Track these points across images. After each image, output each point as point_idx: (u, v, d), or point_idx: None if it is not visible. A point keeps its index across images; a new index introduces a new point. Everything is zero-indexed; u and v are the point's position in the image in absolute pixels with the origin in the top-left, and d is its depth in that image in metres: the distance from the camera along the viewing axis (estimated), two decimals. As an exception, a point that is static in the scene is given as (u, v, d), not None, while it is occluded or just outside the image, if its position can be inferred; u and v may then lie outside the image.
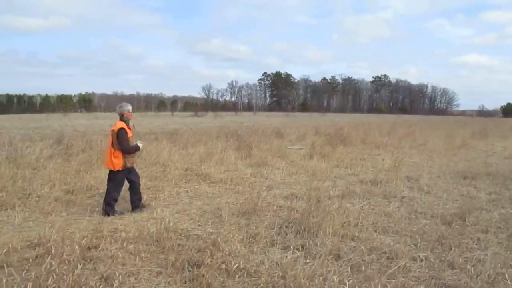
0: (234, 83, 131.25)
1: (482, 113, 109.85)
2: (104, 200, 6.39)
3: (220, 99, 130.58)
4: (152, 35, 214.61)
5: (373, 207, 6.60)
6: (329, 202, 6.01)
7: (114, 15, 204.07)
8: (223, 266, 3.86)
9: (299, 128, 24.02)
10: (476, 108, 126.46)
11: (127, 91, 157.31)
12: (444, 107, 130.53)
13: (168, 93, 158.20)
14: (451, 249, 4.52)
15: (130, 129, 6.63)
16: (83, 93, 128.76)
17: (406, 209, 6.53)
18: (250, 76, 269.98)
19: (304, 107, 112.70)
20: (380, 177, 8.78)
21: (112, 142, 6.35)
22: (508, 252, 4.55)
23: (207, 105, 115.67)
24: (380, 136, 19.70)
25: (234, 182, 8.66)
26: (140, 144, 6.74)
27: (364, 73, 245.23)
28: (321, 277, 3.70)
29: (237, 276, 3.77)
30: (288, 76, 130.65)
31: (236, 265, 3.88)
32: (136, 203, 6.63)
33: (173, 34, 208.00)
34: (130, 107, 6.73)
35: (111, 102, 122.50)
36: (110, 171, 6.47)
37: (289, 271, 3.77)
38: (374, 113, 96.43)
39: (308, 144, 15.39)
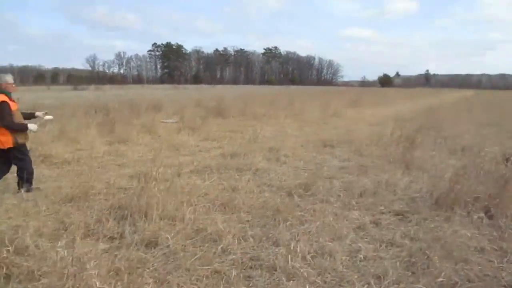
0: (122, 54, 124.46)
1: (364, 83, 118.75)
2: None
3: (108, 71, 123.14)
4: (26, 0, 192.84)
5: (222, 181, 6.29)
6: (168, 181, 5.51)
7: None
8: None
9: (182, 101, 23.30)
10: (359, 79, 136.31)
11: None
12: (330, 78, 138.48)
13: (48, 65, 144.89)
14: (280, 224, 4.33)
15: (14, 102, 5.67)
16: None
17: (255, 182, 6.32)
18: (140, 47, 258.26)
19: (197, 79, 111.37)
20: (242, 149, 8.54)
21: None
22: (337, 223, 4.50)
23: (93, 77, 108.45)
24: (262, 107, 19.81)
25: (80, 163, 7.77)
26: (32, 126, 5.73)
27: (256, 45, 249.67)
28: (125, 271, 3.22)
29: (16, 281, 3.13)
30: (179, 47, 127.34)
31: (20, 267, 3.23)
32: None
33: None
34: (10, 77, 5.80)
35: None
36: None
37: (88, 267, 3.22)
38: (265, 85, 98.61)
39: (184, 117, 14.81)
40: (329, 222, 4.45)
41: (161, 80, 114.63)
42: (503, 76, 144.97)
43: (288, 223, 4.41)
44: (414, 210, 4.97)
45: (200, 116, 14.76)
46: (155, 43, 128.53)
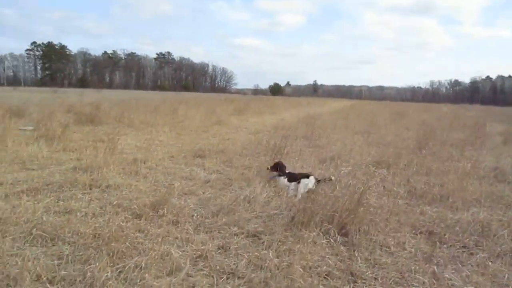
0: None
1: (257, 91, 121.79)
2: None
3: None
4: None
5: (60, 202, 5.32)
6: None
7: None
8: None
9: (53, 105, 21.09)
10: (252, 87, 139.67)
11: None
12: (224, 85, 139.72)
13: None
14: (104, 258, 3.56)
15: None
16: None
17: (101, 202, 5.46)
18: (17, 45, 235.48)
19: (83, 83, 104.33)
20: (101, 162, 7.56)
21: None
22: (179, 250, 3.88)
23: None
24: (143, 114, 18.64)
25: None
26: None
27: (148, 49, 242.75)
28: None
29: None
30: (63, 47, 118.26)
31: None
32: None
33: None
34: None
35: None
36: None
37: None
38: (158, 90, 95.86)
39: (51, 124, 13.15)
40: (168, 251, 3.80)
41: (42, 83, 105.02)
42: (380, 88, 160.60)
43: (116, 256, 3.67)
44: (269, 229, 4.55)
45: (66, 123, 13.24)
46: (34, 42, 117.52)
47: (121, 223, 4.61)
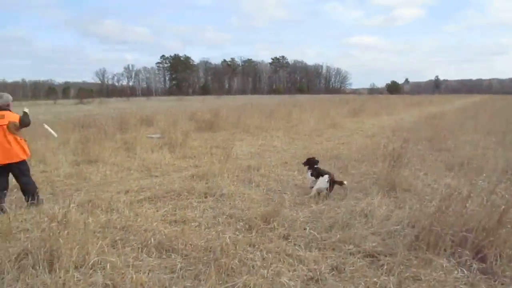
0: (130, 67, 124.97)
1: (373, 90, 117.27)
2: (33, 192, 5.88)
3: (117, 84, 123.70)
4: (38, 16, 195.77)
5: (176, 211, 5.46)
6: (110, 212, 4.70)
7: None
8: None
9: (176, 114, 22.58)
10: (367, 86, 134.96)
11: (11, 77, 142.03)
12: (339, 86, 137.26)
13: (59, 79, 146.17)
14: (212, 276, 3.44)
15: None
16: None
17: (213, 211, 5.48)
18: (149, 59, 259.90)
19: (205, 90, 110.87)
20: (216, 169, 7.70)
21: (13, 133, 5.80)
22: (289, 270, 3.62)
23: (102, 91, 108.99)
24: (258, 119, 18.97)
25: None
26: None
27: (263, 54, 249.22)
28: None
29: None
30: (187, 58, 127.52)
31: None
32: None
33: (62, 14, 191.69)
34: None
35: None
36: (21, 162, 5.96)
37: None
38: (273, 94, 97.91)
39: (174, 131, 14.05)
40: (278, 271, 3.58)
41: (170, 92, 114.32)
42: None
43: (225, 273, 3.54)
44: (389, 249, 4.07)
45: (189, 130, 13.98)
46: (163, 55, 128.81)
47: (233, 235, 4.55)
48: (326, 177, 6.10)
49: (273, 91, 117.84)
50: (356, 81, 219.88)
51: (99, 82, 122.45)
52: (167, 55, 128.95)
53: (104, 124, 15.25)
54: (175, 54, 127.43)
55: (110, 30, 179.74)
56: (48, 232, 3.81)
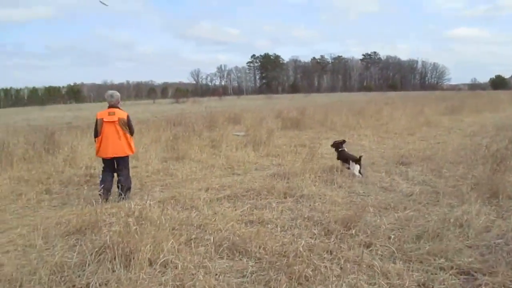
0: (223, 67, 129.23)
1: (474, 86, 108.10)
2: (127, 188, 6.36)
3: (210, 84, 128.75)
4: (140, 21, 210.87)
5: (254, 211, 5.32)
6: (189, 209, 4.70)
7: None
8: None
9: (263, 112, 22.70)
10: (468, 81, 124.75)
11: (117, 79, 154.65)
12: (435, 82, 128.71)
13: (158, 80, 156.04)
14: (283, 285, 3.21)
15: None
16: (72, 84, 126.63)
17: (292, 212, 5.25)
18: (241, 59, 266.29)
19: (294, 88, 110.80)
20: (299, 168, 7.47)
21: (123, 129, 6.25)
22: (369, 286, 3.27)
23: (197, 90, 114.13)
24: (346, 116, 18.35)
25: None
26: None
27: (354, 51, 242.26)
28: None
29: None
30: (277, 57, 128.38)
31: None
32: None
33: (161, 19, 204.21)
34: None
35: (101, 92, 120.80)
36: (126, 157, 6.47)
37: None
38: (364, 91, 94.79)
39: (259, 129, 14.10)
40: (355, 283, 3.24)
41: (260, 91, 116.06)
42: None
43: (297, 281, 3.30)
44: (488, 267, 3.51)
45: (274, 128, 13.91)
46: (253, 55, 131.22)
47: (310, 239, 4.29)
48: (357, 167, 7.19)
49: (363, 88, 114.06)
50: (455, 77, 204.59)
51: (194, 82, 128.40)
52: (257, 54, 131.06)
53: (193, 122, 15.79)
54: (265, 53, 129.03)
55: (205, 32, 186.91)
56: (126, 228, 3.88)
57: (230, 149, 10.56)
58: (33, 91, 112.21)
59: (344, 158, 7.62)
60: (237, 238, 4.21)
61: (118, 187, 6.27)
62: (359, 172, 7.13)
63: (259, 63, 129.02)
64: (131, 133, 6.42)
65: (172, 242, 3.93)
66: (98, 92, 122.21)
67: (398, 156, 8.84)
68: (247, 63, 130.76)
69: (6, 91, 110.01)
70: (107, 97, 6.40)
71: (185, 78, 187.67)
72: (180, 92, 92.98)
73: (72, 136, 12.19)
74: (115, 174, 6.44)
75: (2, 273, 3.58)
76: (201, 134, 13.02)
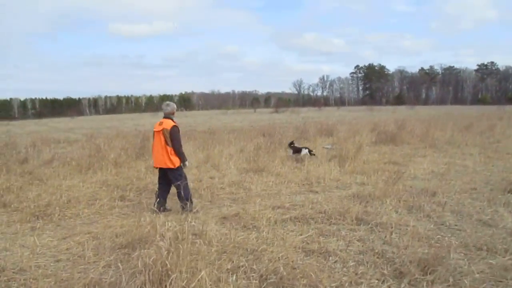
0: (325, 78, 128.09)
1: None
2: (185, 199, 5.95)
3: (312, 94, 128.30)
4: (248, 33, 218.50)
5: (319, 238, 4.67)
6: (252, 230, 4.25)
7: (213, 15, 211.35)
8: None
9: (359, 124, 21.53)
10: None
11: (223, 89, 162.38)
12: None
13: (262, 90, 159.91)
14: None
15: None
16: (183, 92, 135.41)
17: (362, 245, 4.49)
18: (344, 70, 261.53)
19: (399, 100, 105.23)
20: (380, 189, 6.62)
21: (165, 140, 5.95)
22: None
23: (298, 100, 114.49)
24: (451, 131, 16.55)
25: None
26: (187, 163, 6.39)
27: (467, 61, 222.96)
28: None
29: None
30: (381, 68, 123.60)
31: None
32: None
33: (267, 30, 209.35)
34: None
35: (208, 101, 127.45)
36: (170, 169, 6.02)
37: None
38: (477, 105, 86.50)
39: (352, 143, 13.25)
40: None
41: (362, 102, 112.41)
42: None
43: None
44: None
45: (364, 142, 12.95)
46: (357, 65, 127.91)
47: (375, 281, 3.55)
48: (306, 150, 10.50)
49: (478, 101, 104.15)
50: None
51: (296, 92, 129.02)
52: (361, 64, 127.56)
53: (282, 133, 15.41)
54: (369, 64, 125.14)
55: (309, 43, 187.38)
56: (171, 247, 3.55)
57: (314, 163, 9.93)
58: (150, 98, 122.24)
59: (296, 150, 10.73)
60: (288, 271, 3.63)
61: (178, 198, 6.11)
62: (310, 153, 10.49)
63: (363, 74, 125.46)
64: (174, 146, 5.98)
65: (214, 269, 3.51)
66: (205, 100, 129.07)
67: (507, 182, 7.42)
68: (350, 73, 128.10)
69: (127, 99, 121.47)
70: (163, 106, 6.23)
71: (288, 88, 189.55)
72: (281, 102, 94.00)
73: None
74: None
75: (42, 284, 3.47)
76: (287, 146, 12.59)
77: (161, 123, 6.06)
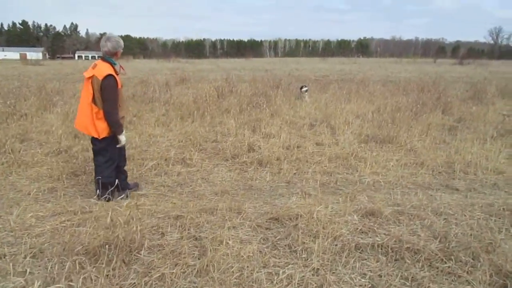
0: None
1: None
2: (102, 183, 3.99)
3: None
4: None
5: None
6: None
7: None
8: None
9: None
10: None
11: (406, 36, 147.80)
12: None
13: (450, 38, 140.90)
14: None
15: (118, 76, 3.97)
16: (362, 38, 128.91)
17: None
18: None
19: None
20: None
21: (93, 95, 3.83)
22: None
23: (493, 52, 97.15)
24: None
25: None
26: (122, 138, 4.05)
27: None
28: None
29: None
30: None
31: None
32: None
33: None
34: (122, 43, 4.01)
35: (387, 47, 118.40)
36: (93, 139, 4.05)
37: None
38: None
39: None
40: None
41: None
42: None
43: None
44: None
45: None
46: None
47: None
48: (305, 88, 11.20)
49: None
50: None
51: (492, 42, 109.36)
52: None
53: (441, 90, 11.93)
54: None
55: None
56: None
57: (472, 138, 6.91)
58: (327, 43, 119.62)
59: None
60: None
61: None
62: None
63: None
64: (105, 107, 3.81)
65: None
66: (384, 47, 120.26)
67: None
68: None
69: (305, 43, 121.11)
70: (102, 42, 3.92)
71: (482, 36, 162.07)
72: (472, 52, 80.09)
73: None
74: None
75: None
76: (447, 109, 9.50)
77: (94, 66, 3.90)
